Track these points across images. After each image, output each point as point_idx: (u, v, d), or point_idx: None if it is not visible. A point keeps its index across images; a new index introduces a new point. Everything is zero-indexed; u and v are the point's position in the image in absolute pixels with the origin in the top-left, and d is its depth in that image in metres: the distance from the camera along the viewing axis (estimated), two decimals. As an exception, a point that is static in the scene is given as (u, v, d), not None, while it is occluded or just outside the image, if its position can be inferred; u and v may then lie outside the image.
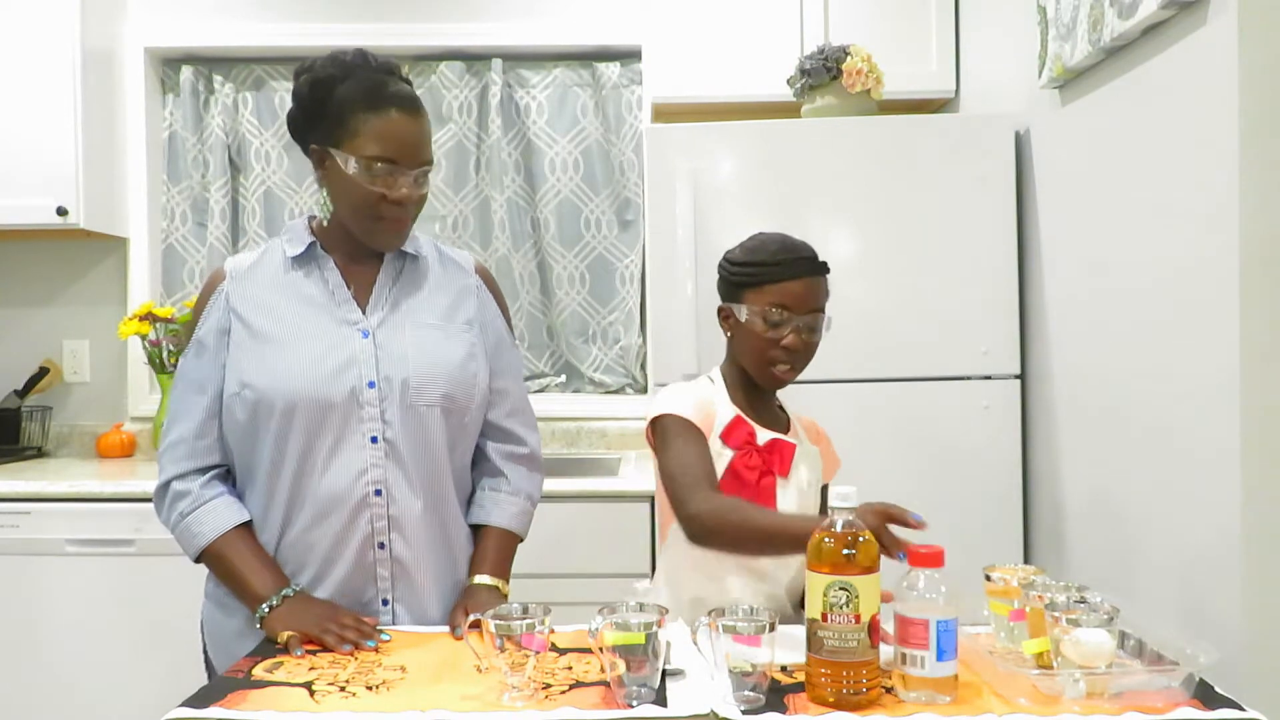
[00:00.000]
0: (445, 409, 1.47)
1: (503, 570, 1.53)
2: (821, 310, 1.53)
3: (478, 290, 1.58)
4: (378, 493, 1.43)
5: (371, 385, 1.43)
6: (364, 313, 1.47)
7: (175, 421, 1.46)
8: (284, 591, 1.39)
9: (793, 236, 1.56)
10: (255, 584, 1.40)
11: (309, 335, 1.43)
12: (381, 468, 1.43)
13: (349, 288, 1.48)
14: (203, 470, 1.46)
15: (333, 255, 1.49)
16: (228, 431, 1.46)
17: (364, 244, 1.47)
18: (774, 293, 1.50)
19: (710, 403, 1.56)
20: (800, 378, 1.55)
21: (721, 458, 1.53)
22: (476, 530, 1.56)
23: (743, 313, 1.52)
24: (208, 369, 1.45)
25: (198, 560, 1.46)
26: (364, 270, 1.50)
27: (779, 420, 1.61)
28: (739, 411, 1.56)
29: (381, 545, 1.44)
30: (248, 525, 1.45)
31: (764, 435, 1.55)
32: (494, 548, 1.54)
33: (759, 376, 1.55)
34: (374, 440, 1.42)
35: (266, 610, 1.37)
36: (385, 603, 1.46)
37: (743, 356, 1.56)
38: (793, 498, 1.55)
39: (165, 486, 1.46)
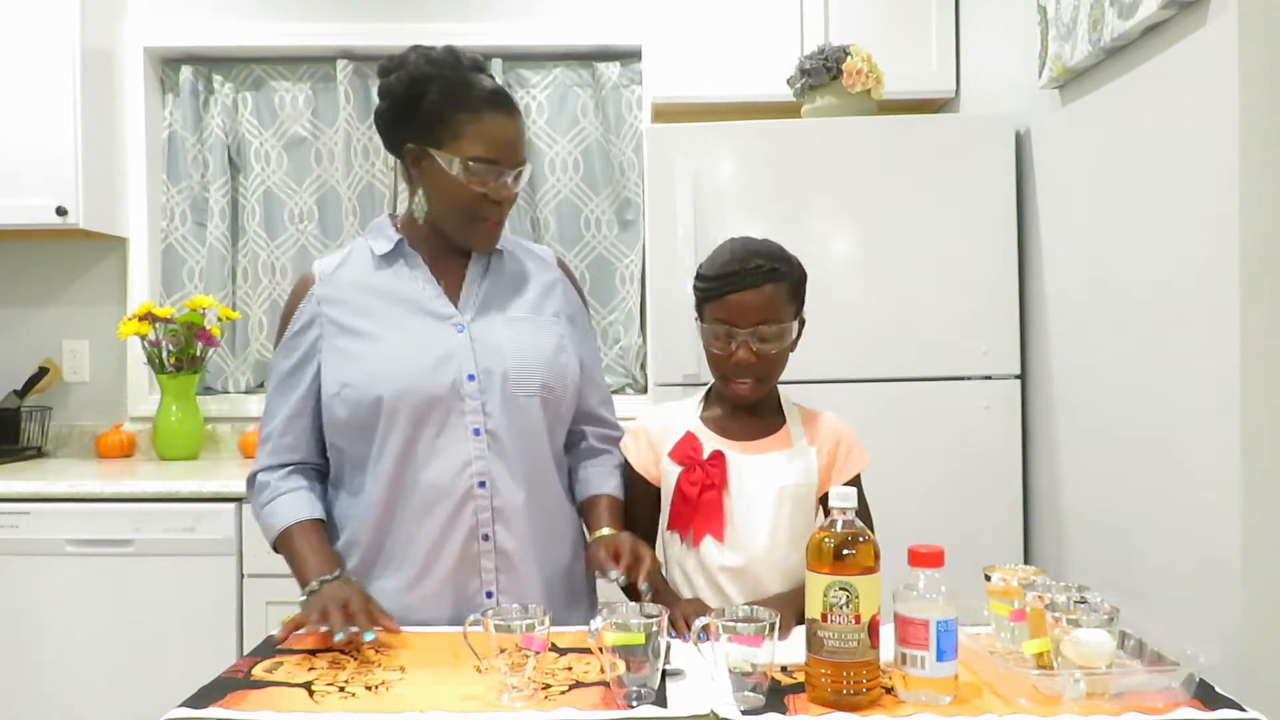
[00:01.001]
0: (544, 399, 1.49)
1: (622, 527, 1.53)
2: (775, 320, 1.44)
3: (562, 283, 1.60)
4: (481, 484, 1.43)
5: (471, 378, 1.44)
6: (455, 307, 1.48)
7: (266, 419, 1.53)
8: (323, 577, 1.39)
9: (756, 241, 1.48)
10: (307, 571, 1.41)
11: (405, 331, 1.45)
12: (485, 459, 1.44)
13: (439, 283, 1.49)
14: (284, 465, 1.50)
15: (419, 252, 1.51)
16: (328, 431, 1.48)
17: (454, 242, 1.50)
18: (718, 308, 1.45)
19: (666, 427, 1.55)
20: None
21: (671, 475, 1.51)
22: (584, 503, 1.58)
23: (701, 329, 1.50)
24: (296, 370, 1.49)
25: (276, 549, 1.48)
26: (452, 265, 1.52)
27: (766, 427, 1.52)
28: (691, 428, 1.51)
29: (486, 537, 1.44)
30: (318, 521, 1.47)
31: (710, 448, 1.49)
32: (608, 509, 1.55)
33: (725, 392, 1.51)
34: (476, 432, 1.43)
35: (305, 596, 1.38)
36: (489, 594, 1.45)
37: (711, 372, 1.53)
38: (740, 508, 1.47)
39: (253, 478, 1.53)
